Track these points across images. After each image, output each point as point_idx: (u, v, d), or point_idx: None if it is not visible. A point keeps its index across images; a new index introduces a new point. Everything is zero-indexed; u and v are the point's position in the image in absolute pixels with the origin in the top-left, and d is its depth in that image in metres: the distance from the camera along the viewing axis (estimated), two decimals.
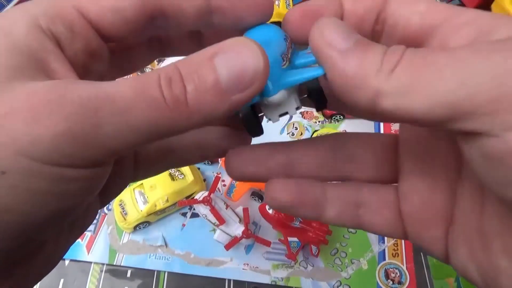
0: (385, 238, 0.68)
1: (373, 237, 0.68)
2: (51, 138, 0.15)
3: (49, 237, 0.20)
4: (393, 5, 0.22)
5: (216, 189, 0.67)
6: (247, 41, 0.17)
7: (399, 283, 0.64)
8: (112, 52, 0.22)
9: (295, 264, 0.66)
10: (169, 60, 0.84)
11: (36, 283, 0.21)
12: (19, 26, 0.17)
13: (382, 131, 0.79)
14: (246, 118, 0.23)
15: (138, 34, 0.20)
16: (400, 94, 0.16)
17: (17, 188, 0.15)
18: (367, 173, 0.25)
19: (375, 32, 0.22)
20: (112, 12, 0.19)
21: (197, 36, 0.25)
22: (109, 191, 0.25)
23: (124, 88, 0.16)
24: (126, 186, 0.26)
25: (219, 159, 0.72)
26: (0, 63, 0.16)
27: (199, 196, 0.66)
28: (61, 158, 0.16)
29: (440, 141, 0.23)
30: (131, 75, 0.20)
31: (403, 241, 0.67)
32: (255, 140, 0.26)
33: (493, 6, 0.81)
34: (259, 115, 0.24)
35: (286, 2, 0.92)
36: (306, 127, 0.80)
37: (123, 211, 0.67)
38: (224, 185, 0.73)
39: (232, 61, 0.17)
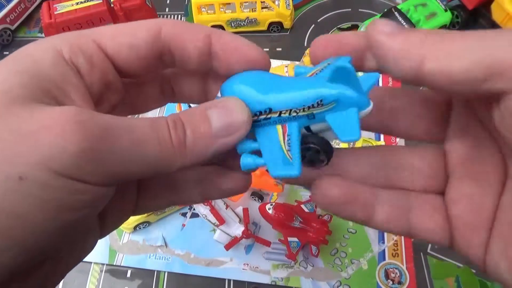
0: (385, 238, 0.68)
1: (373, 237, 0.68)
2: (74, 153, 0.17)
3: (50, 255, 0.21)
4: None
5: None
6: (235, 98, 0.22)
7: (399, 283, 0.64)
8: (127, 89, 0.24)
9: (295, 264, 0.66)
10: None
11: None
12: (45, 57, 0.19)
13: (382, 138, 0.78)
14: (326, 148, 0.25)
15: (149, 69, 0.23)
16: (443, 58, 0.19)
17: (31, 196, 0.17)
18: (417, 182, 0.26)
19: None
20: (127, 48, 0.21)
21: (203, 87, 0.27)
22: (109, 222, 0.25)
23: (142, 123, 0.19)
24: (126, 219, 0.27)
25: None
26: (26, 85, 0.18)
27: None
28: (77, 172, 0.17)
29: (488, 149, 0.24)
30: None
31: (403, 241, 0.67)
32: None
33: (493, 6, 0.81)
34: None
35: (286, 2, 0.93)
36: None
37: None
38: None
39: (223, 114, 0.21)
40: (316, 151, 0.25)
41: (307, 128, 0.25)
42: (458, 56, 0.19)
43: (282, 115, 0.24)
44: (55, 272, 0.22)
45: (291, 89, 0.24)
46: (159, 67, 0.24)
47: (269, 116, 0.25)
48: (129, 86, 0.25)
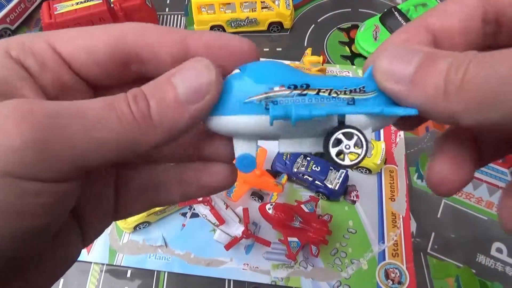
0: (385, 238, 0.68)
1: (373, 237, 0.68)
2: (16, 148, 0.15)
3: (23, 264, 0.20)
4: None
5: None
6: (199, 58, 0.20)
7: (399, 283, 0.64)
8: (96, 92, 0.22)
9: (295, 264, 0.66)
10: None
11: None
12: None
13: (381, 131, 0.79)
14: (364, 135, 0.24)
15: (114, 76, 0.21)
16: (475, 111, 0.18)
17: None
18: None
19: (487, 35, 0.23)
20: (84, 52, 0.20)
21: None
22: (89, 229, 0.24)
23: (94, 103, 0.17)
24: (108, 225, 0.25)
25: None
26: None
27: None
28: (24, 169, 0.15)
29: None
30: None
31: (403, 241, 0.67)
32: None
33: None
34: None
35: (286, 2, 0.93)
36: None
37: None
38: None
39: (188, 77, 0.19)
40: (355, 136, 0.23)
41: (340, 123, 0.24)
42: (490, 106, 0.18)
43: (321, 93, 0.23)
44: (37, 283, 0.21)
45: (330, 77, 0.24)
46: (125, 74, 0.22)
47: (305, 92, 0.23)
48: (97, 89, 0.23)
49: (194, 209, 0.70)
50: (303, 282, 0.64)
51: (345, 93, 0.23)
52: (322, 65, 0.81)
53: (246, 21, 0.92)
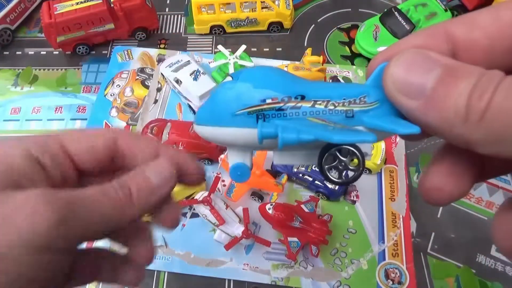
0: (385, 238, 0.68)
1: (373, 237, 0.68)
2: (47, 226, 0.20)
3: None
4: None
5: (216, 189, 0.67)
6: (164, 162, 0.27)
7: (399, 283, 0.64)
8: (79, 179, 0.28)
9: (295, 264, 0.66)
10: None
11: None
12: (15, 154, 0.23)
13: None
14: (360, 151, 0.22)
15: (103, 167, 0.27)
16: (496, 142, 0.17)
17: (8, 273, 0.19)
18: None
19: None
20: (86, 151, 0.26)
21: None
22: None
23: (92, 191, 0.23)
24: None
25: (219, 159, 0.72)
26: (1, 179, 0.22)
27: (199, 196, 0.66)
28: (52, 241, 0.20)
29: None
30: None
31: (403, 241, 0.67)
32: None
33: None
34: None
35: (286, 2, 0.93)
36: None
37: None
38: (224, 185, 0.73)
39: (158, 170, 0.26)
40: (351, 153, 0.22)
41: (338, 150, 0.22)
42: (506, 140, 0.17)
43: (317, 106, 0.21)
44: None
45: (330, 84, 0.23)
46: (108, 165, 0.28)
47: (299, 104, 0.21)
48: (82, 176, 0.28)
49: (194, 209, 0.70)
50: (303, 282, 0.64)
51: (343, 105, 0.21)
52: (322, 65, 0.81)
53: (246, 21, 0.92)
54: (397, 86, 0.20)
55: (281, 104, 0.21)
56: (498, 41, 0.20)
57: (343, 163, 0.22)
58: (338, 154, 0.22)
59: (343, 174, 0.23)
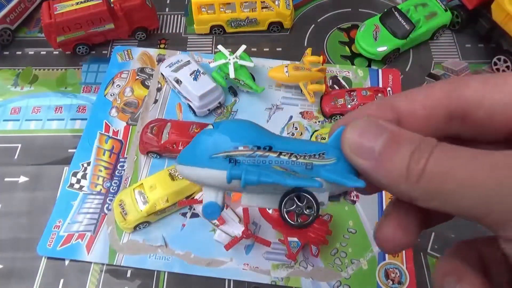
0: None
1: (373, 237, 0.68)
2: None
3: None
4: (472, 94, 0.23)
5: None
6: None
7: (399, 283, 0.64)
8: None
9: (295, 264, 0.66)
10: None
11: None
12: None
13: None
14: (315, 198, 0.26)
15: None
16: (432, 199, 0.21)
17: None
18: None
19: (450, 124, 0.25)
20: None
21: None
22: None
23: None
24: None
25: None
26: None
27: (199, 196, 0.66)
28: None
29: None
30: None
31: None
32: None
33: (493, 6, 0.81)
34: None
35: (286, 2, 0.92)
36: (306, 127, 0.80)
37: (123, 211, 0.67)
38: None
39: None
40: (307, 200, 0.25)
41: (297, 197, 0.26)
42: (446, 201, 0.20)
43: (282, 156, 0.25)
44: None
45: (295, 140, 0.27)
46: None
47: (266, 154, 0.25)
48: None
49: (194, 209, 0.70)
50: (303, 282, 0.64)
51: (304, 158, 0.25)
52: (322, 65, 0.81)
53: (246, 21, 0.92)
54: (352, 148, 0.24)
55: (251, 152, 0.25)
56: (432, 111, 0.25)
57: (299, 208, 0.26)
58: (296, 200, 0.25)
59: (299, 218, 0.26)
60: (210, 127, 0.26)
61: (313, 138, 0.76)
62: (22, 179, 0.75)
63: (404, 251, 0.66)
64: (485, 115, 0.23)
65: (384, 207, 0.71)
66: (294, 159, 0.25)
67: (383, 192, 0.72)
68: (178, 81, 0.80)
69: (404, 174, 0.21)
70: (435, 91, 0.25)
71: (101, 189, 0.73)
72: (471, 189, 0.19)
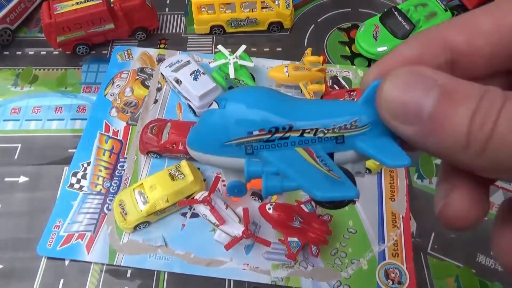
0: (385, 238, 0.68)
1: (373, 237, 0.68)
2: None
3: None
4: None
5: (216, 189, 0.67)
6: None
7: (399, 283, 0.64)
8: None
9: (295, 264, 0.66)
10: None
11: None
12: None
13: None
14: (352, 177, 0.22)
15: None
16: (498, 172, 0.17)
17: None
18: None
19: None
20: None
21: None
22: None
23: None
24: None
25: None
26: None
27: (199, 196, 0.66)
28: None
29: None
30: None
31: (403, 241, 0.67)
32: None
33: None
34: None
35: (286, 2, 0.92)
36: None
37: (123, 211, 0.67)
38: (224, 185, 0.73)
39: None
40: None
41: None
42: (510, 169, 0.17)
43: (305, 135, 0.21)
44: None
45: (319, 106, 0.21)
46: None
47: (287, 135, 0.21)
48: None
49: (194, 209, 0.70)
50: (303, 282, 0.64)
51: (333, 131, 0.21)
52: (322, 65, 0.81)
53: (246, 21, 0.92)
54: (392, 112, 0.19)
55: (269, 136, 0.21)
56: (500, 47, 0.19)
57: None
58: None
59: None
60: (215, 106, 0.22)
61: None
62: (22, 179, 0.75)
63: (404, 251, 0.66)
64: None
65: (384, 207, 0.71)
66: (321, 135, 0.21)
67: (383, 192, 0.72)
68: (178, 81, 0.80)
69: (464, 142, 0.17)
70: (505, 19, 0.19)
71: (101, 189, 0.73)
72: None
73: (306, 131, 0.21)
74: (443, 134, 0.17)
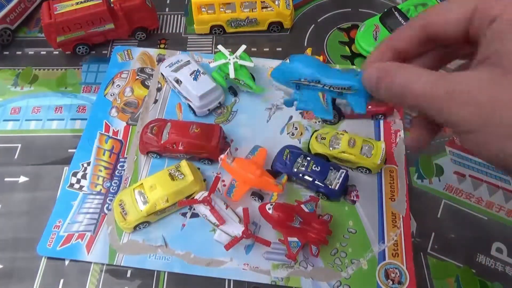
0: (385, 238, 0.68)
1: (373, 237, 0.68)
2: None
3: None
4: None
5: (216, 189, 0.67)
6: None
7: (399, 283, 0.64)
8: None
9: (295, 264, 0.66)
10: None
11: None
12: None
13: (382, 131, 0.79)
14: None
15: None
16: (391, 98, 0.36)
17: None
18: None
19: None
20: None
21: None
22: None
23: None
24: None
25: (219, 159, 0.72)
26: None
27: (199, 196, 0.66)
28: None
29: None
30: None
31: (403, 241, 0.67)
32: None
33: None
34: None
35: (286, 2, 0.92)
36: (306, 127, 0.80)
37: (123, 211, 0.67)
38: (224, 185, 0.73)
39: None
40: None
41: (333, 100, 0.43)
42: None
43: (325, 87, 0.42)
44: None
45: (334, 76, 0.41)
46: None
47: (316, 85, 0.42)
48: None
49: (194, 209, 0.70)
50: (303, 282, 0.64)
51: (338, 88, 0.42)
52: None
53: (246, 21, 0.92)
54: (367, 83, 0.38)
55: (307, 83, 0.43)
56: (410, 45, 0.38)
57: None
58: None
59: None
60: (287, 60, 0.44)
61: (313, 138, 0.76)
62: (22, 179, 0.75)
63: (404, 251, 0.66)
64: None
65: (384, 207, 0.71)
66: (332, 89, 0.42)
67: (383, 192, 0.72)
68: (178, 81, 0.80)
69: (379, 85, 0.36)
70: (405, 32, 0.37)
71: (101, 189, 0.73)
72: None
73: (325, 86, 0.42)
74: (379, 85, 0.36)
